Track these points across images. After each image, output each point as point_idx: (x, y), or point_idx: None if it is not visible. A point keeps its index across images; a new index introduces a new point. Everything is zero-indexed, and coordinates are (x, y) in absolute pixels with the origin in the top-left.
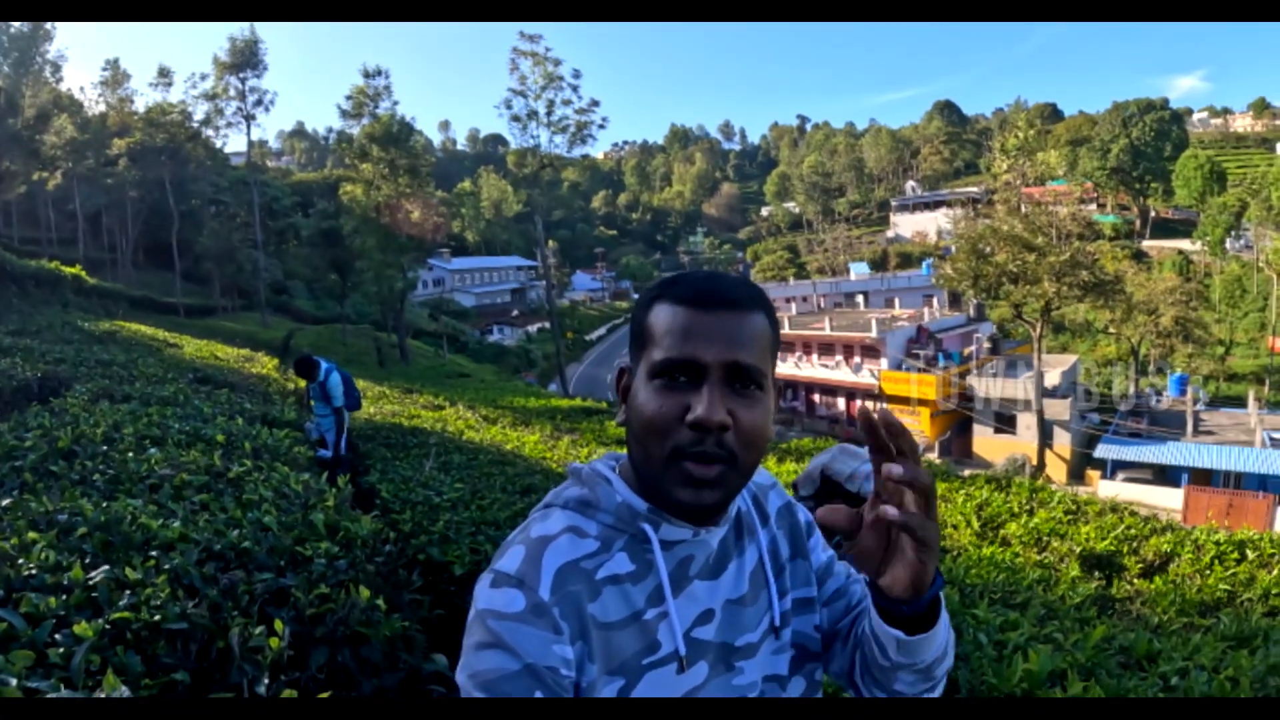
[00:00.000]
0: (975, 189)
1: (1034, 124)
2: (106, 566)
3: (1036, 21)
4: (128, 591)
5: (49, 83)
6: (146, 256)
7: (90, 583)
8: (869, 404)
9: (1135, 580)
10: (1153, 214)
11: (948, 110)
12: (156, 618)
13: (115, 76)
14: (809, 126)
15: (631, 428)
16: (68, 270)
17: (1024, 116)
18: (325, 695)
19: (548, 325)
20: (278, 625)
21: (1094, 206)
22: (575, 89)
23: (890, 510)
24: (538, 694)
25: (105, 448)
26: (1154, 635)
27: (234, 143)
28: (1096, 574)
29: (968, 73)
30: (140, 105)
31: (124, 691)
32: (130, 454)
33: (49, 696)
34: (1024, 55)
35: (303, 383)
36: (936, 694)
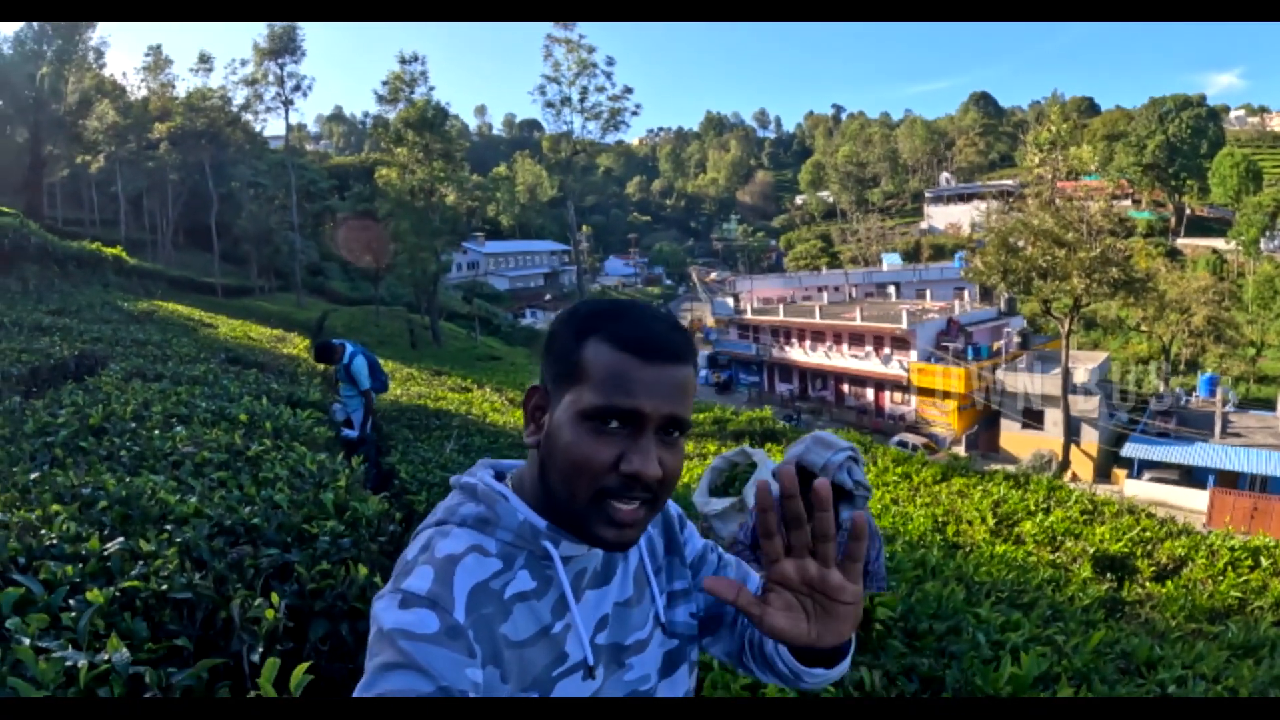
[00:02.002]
0: (1010, 182)
1: (1069, 118)
2: (122, 538)
3: (1065, 21)
4: (140, 562)
5: (92, 69)
6: (186, 238)
7: (105, 553)
8: (771, 479)
9: (1147, 583)
10: (1188, 212)
11: (984, 102)
12: (164, 587)
13: (157, 62)
14: (844, 116)
15: (555, 462)
16: (109, 251)
17: (1058, 110)
18: (307, 668)
19: None
20: (274, 598)
21: (1129, 202)
22: (609, 76)
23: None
24: None
25: (134, 425)
26: (1157, 641)
27: (273, 127)
28: (1109, 576)
29: (1004, 64)
30: (181, 90)
31: (125, 654)
32: (156, 432)
33: (55, 655)
34: (1061, 48)
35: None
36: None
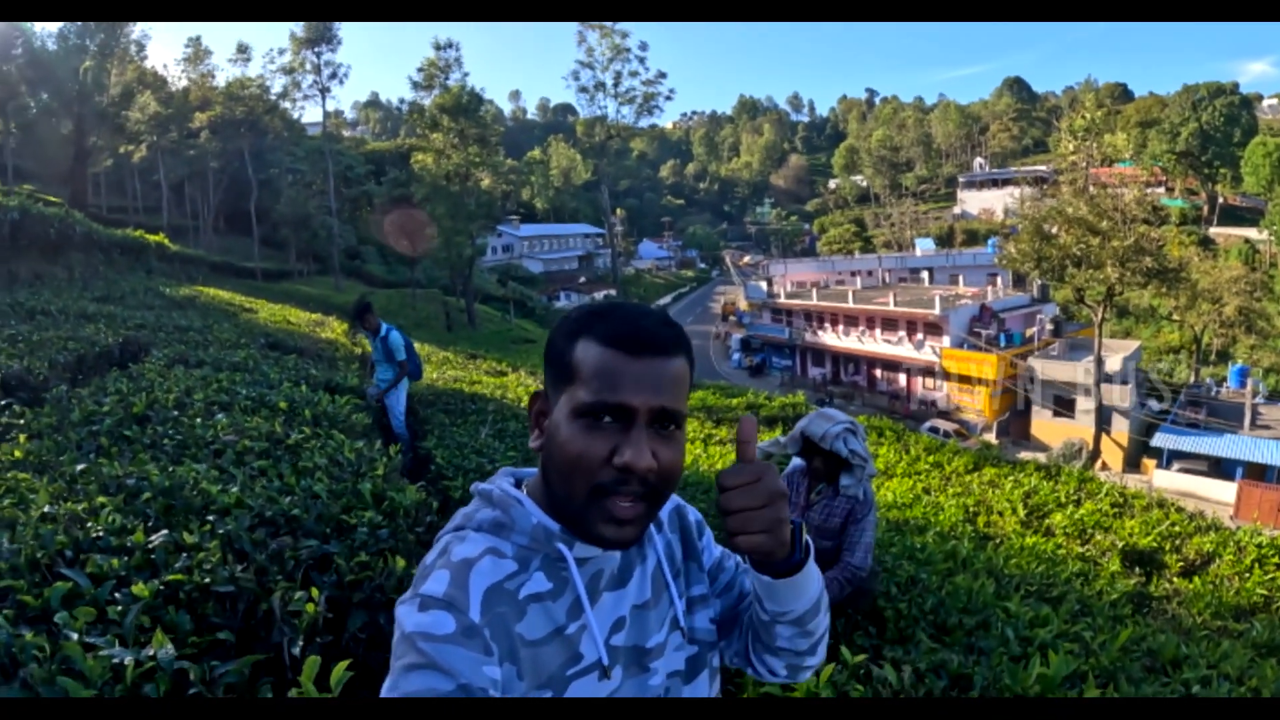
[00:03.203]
0: (1044, 167)
1: (1103, 104)
2: (166, 530)
3: (1088, 21)
4: (184, 554)
5: (134, 61)
6: (227, 223)
7: (150, 546)
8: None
9: (1175, 579)
10: (1220, 200)
11: (1017, 87)
12: (207, 580)
13: (197, 53)
14: (878, 100)
15: (554, 461)
16: (151, 238)
17: (1093, 96)
18: (346, 664)
19: (614, 292)
20: (314, 592)
21: (1162, 190)
22: (642, 61)
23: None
24: None
25: (176, 413)
26: (1184, 639)
27: (310, 114)
28: (1137, 570)
29: (1037, 50)
30: (220, 80)
31: (170, 650)
32: (199, 420)
33: (103, 652)
34: (1094, 34)
35: (368, 347)
36: (817, 658)
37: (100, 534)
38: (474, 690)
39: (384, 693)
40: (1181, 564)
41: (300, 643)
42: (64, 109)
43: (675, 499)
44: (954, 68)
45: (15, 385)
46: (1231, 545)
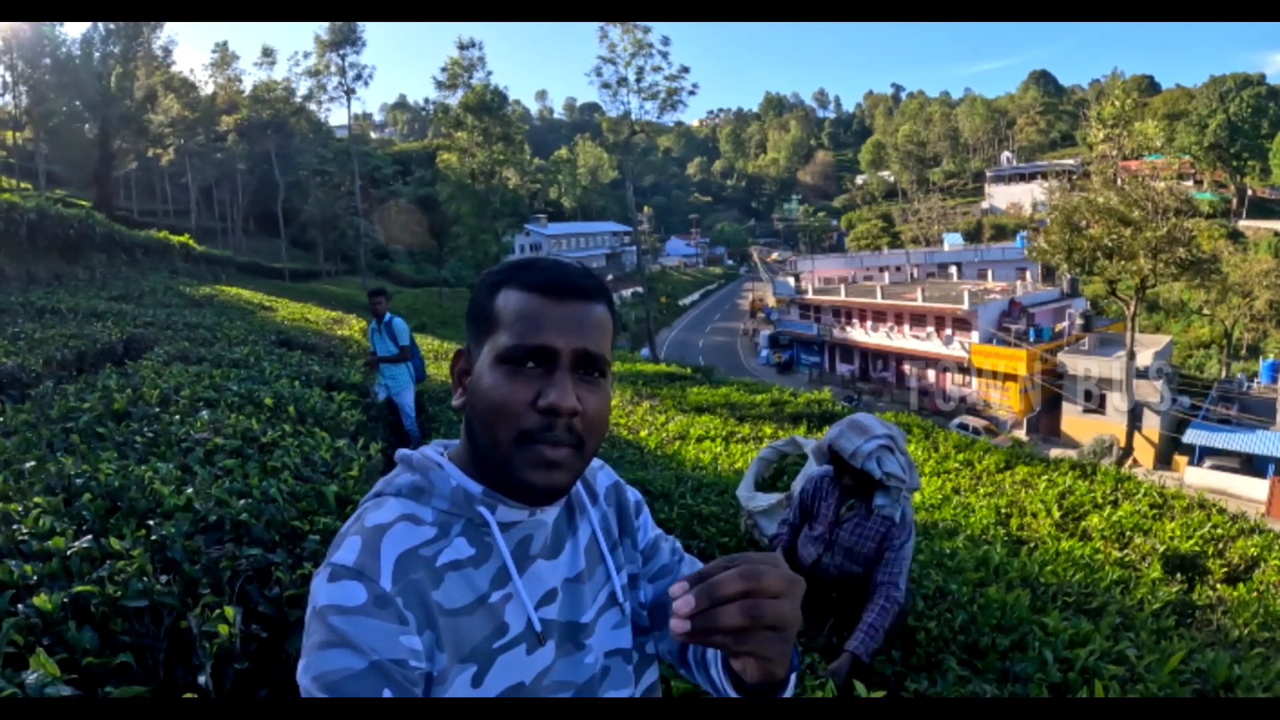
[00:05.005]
0: (1071, 161)
1: (1130, 95)
2: (90, 536)
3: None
4: (109, 561)
5: (161, 66)
6: (256, 224)
7: (68, 552)
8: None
9: (1218, 585)
10: (1249, 193)
11: (1043, 80)
12: (118, 594)
13: (224, 58)
14: (904, 95)
15: (476, 411)
16: (175, 239)
17: (1121, 86)
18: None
19: (641, 290)
20: (228, 611)
21: (1190, 183)
22: (664, 55)
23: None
24: (386, 693)
25: (157, 410)
26: (1235, 658)
27: (338, 116)
28: (1179, 576)
29: (1063, 43)
30: (247, 84)
31: (41, 674)
32: (178, 417)
33: None
34: (1120, 26)
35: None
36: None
37: (25, 537)
38: (387, 666)
39: (299, 673)
40: (1225, 569)
41: (208, 668)
42: (90, 113)
43: (613, 475)
44: (980, 62)
45: (7, 382)
46: (1277, 549)
